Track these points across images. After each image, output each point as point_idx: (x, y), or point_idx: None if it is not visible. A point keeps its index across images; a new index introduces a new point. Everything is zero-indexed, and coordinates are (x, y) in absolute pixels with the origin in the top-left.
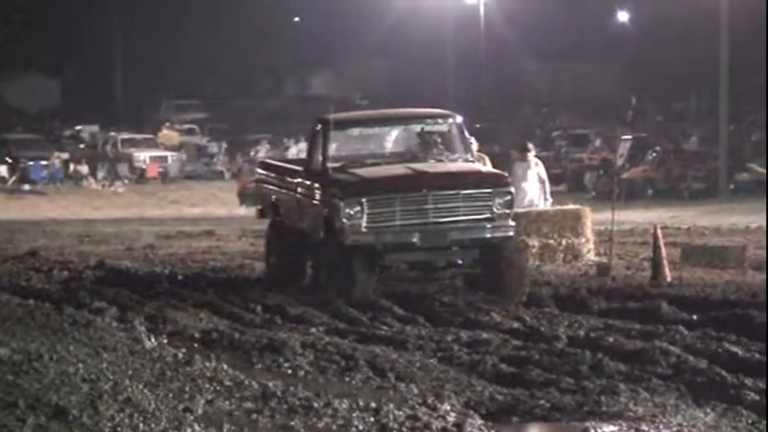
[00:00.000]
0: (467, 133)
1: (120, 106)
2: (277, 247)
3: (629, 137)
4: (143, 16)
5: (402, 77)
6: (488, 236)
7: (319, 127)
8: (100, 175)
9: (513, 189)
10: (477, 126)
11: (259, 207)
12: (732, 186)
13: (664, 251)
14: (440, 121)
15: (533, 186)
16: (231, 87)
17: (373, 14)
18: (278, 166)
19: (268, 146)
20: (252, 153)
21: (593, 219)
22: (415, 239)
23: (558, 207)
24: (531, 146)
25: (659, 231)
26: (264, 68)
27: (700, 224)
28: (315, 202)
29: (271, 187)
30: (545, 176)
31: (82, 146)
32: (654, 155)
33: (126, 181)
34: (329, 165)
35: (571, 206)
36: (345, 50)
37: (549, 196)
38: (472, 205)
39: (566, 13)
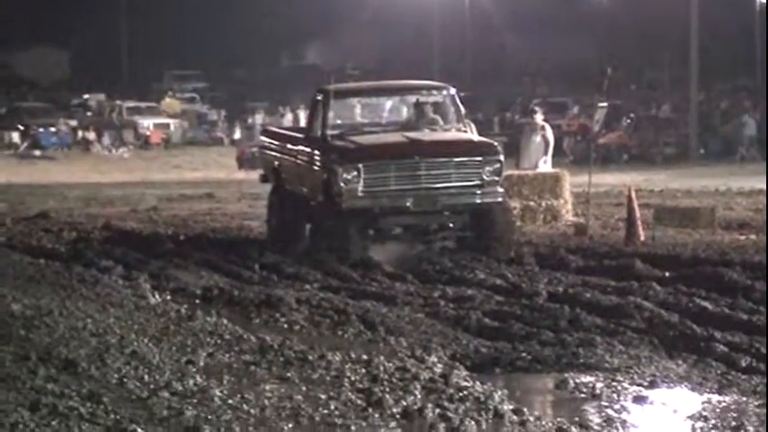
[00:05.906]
0: (460, 104)
1: (126, 76)
2: (278, 211)
3: (605, 104)
4: None
5: (391, 48)
6: (478, 201)
7: (320, 97)
8: (106, 141)
9: (502, 157)
10: (462, 95)
11: (262, 172)
12: (702, 151)
13: (638, 212)
14: (434, 92)
15: (535, 149)
16: (230, 58)
17: None
18: (280, 133)
19: (264, 113)
20: (249, 120)
21: (571, 182)
22: (408, 204)
23: (538, 171)
24: (537, 109)
25: (633, 193)
26: (262, 40)
27: (671, 187)
28: (314, 167)
29: (273, 153)
30: (550, 139)
31: (89, 114)
32: (628, 121)
33: (131, 147)
34: (328, 132)
35: (550, 170)
36: (339, 22)
37: (548, 159)
38: (463, 172)
39: None
